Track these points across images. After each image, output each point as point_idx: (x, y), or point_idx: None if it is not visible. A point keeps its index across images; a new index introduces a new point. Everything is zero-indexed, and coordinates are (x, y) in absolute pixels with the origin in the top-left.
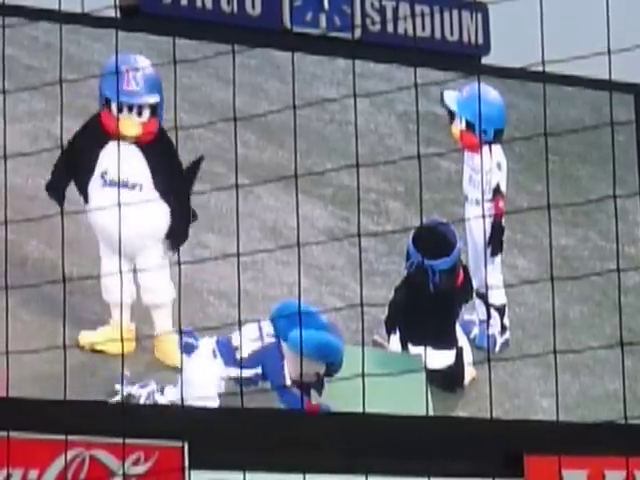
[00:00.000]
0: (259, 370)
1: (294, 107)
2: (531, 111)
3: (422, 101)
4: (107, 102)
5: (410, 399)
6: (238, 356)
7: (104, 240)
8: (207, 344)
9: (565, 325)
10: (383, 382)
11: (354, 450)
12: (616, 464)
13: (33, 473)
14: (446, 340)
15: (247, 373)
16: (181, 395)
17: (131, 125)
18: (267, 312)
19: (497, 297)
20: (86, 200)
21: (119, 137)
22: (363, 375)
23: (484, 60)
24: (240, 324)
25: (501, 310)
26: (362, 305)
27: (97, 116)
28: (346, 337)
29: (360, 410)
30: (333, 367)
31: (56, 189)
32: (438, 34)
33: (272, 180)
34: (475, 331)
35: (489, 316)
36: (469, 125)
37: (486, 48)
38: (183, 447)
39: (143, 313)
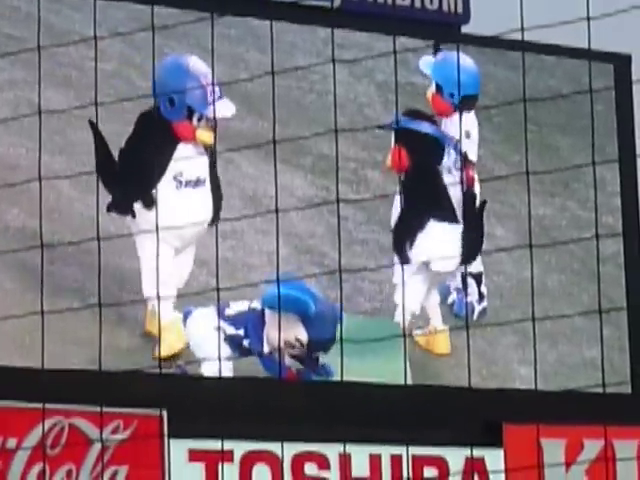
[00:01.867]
0: (242, 332)
1: (272, 74)
2: (509, 81)
3: (401, 71)
4: (190, 112)
5: (391, 367)
6: (227, 313)
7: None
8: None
9: (543, 294)
10: (365, 350)
11: (332, 418)
12: (594, 433)
13: (12, 441)
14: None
15: (232, 330)
16: (159, 363)
17: (208, 136)
18: (247, 280)
19: (474, 265)
20: (147, 203)
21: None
22: (341, 341)
23: (463, 29)
24: (218, 292)
25: (478, 278)
26: (340, 272)
27: (167, 123)
28: None
29: (348, 378)
30: (316, 335)
31: (124, 205)
32: (418, 3)
33: (249, 147)
34: (453, 296)
35: (466, 285)
36: (438, 88)
37: (465, 17)
38: (162, 415)
39: None
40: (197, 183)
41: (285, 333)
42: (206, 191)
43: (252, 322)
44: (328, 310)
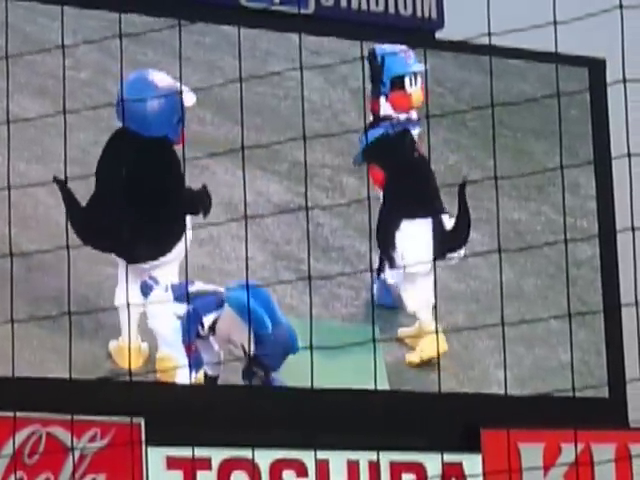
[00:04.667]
0: (190, 307)
1: (240, 81)
2: (485, 86)
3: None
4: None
5: (369, 372)
6: (186, 291)
7: None
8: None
9: (519, 298)
10: (341, 356)
11: (310, 425)
12: (572, 437)
13: None
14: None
15: (181, 309)
16: (129, 370)
17: None
18: (223, 284)
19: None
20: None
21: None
22: (311, 347)
23: (438, 35)
24: (188, 298)
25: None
26: (310, 278)
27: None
28: (302, 310)
29: (332, 385)
30: (263, 355)
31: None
32: (392, 9)
33: (224, 153)
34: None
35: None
36: (396, 84)
37: (440, 23)
38: (140, 424)
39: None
40: None
41: (235, 335)
42: None
43: (203, 304)
44: (282, 337)
